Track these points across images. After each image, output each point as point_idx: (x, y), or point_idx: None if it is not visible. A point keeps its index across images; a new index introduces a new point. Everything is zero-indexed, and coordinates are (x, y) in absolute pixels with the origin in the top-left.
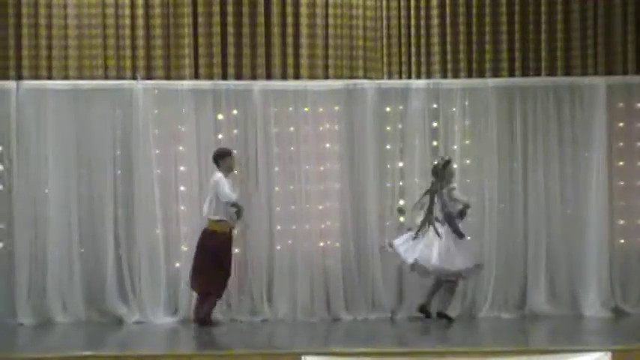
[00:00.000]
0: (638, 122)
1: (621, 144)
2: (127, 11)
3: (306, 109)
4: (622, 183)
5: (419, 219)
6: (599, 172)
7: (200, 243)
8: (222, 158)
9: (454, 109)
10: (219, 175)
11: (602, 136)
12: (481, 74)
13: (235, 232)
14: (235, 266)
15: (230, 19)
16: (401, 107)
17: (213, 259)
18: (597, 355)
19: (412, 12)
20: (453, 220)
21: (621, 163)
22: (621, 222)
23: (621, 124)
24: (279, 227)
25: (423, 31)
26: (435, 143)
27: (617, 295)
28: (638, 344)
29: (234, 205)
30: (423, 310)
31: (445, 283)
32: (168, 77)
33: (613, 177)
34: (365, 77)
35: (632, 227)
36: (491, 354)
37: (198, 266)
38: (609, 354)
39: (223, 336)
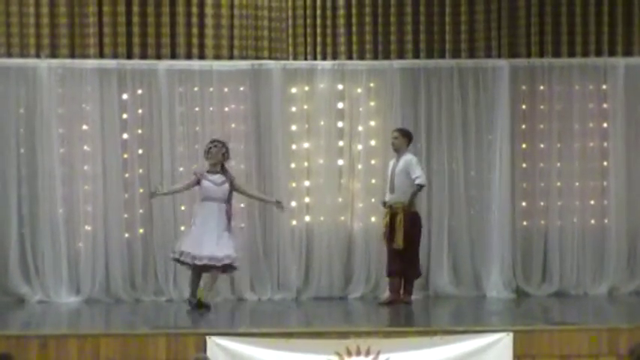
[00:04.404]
0: (540, 105)
1: (524, 126)
2: None
3: (211, 89)
4: (524, 165)
5: None
6: (501, 155)
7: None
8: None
9: (359, 90)
10: (410, 155)
11: (505, 118)
12: (386, 56)
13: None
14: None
15: None
16: (306, 88)
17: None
18: (499, 335)
19: None
20: None
21: (524, 146)
22: (524, 204)
23: (524, 107)
24: (183, 208)
25: (329, 12)
26: (340, 124)
27: (519, 276)
28: (538, 325)
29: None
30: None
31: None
32: (72, 56)
33: (516, 159)
34: (270, 58)
35: (535, 209)
36: (395, 334)
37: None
38: (511, 334)
39: (128, 316)
